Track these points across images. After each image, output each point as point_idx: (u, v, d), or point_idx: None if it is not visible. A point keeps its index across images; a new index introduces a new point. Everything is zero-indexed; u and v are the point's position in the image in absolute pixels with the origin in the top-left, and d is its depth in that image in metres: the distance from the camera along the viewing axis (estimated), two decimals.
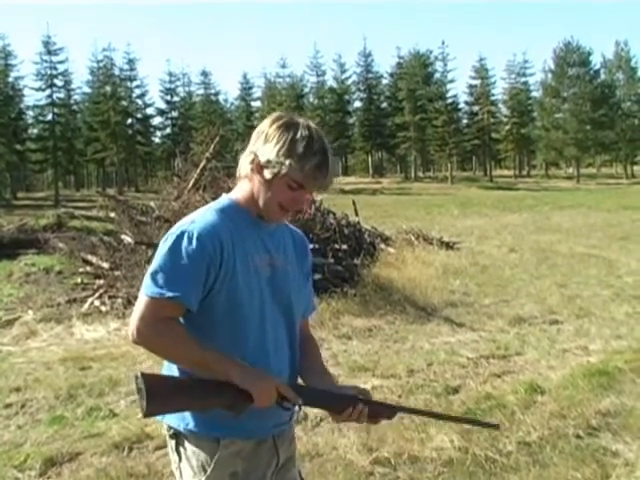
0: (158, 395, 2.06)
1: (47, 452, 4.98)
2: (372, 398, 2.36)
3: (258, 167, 2.21)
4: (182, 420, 2.22)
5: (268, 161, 2.17)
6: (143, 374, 2.08)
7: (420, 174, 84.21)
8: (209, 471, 2.20)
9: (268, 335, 2.26)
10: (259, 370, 2.15)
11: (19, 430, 5.61)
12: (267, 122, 2.24)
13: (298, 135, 2.17)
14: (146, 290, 2.13)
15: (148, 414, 2.08)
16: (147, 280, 2.14)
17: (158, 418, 2.31)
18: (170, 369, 2.27)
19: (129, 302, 10.21)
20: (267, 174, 2.19)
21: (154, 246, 11.19)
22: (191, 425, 2.20)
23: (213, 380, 2.13)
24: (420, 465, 4.61)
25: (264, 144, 2.20)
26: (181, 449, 2.26)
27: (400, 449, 4.79)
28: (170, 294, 2.09)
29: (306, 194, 2.24)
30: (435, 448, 4.81)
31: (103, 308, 10.22)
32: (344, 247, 12.42)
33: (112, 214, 14.29)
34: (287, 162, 2.15)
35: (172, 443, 2.29)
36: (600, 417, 5.38)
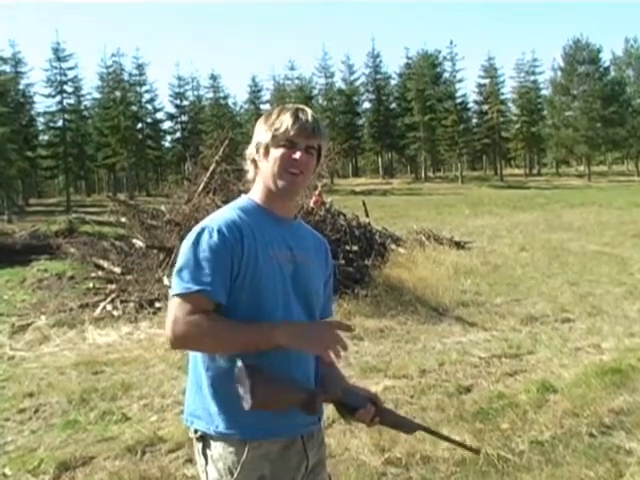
0: (261, 387, 2.05)
1: (61, 456, 5.01)
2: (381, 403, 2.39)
3: (256, 155, 2.33)
4: (211, 423, 2.20)
5: (258, 143, 2.32)
6: (246, 365, 2.06)
7: (430, 174, 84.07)
8: (236, 474, 2.18)
9: None
10: (300, 322, 2.23)
11: (33, 435, 5.64)
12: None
13: (273, 111, 2.36)
14: (173, 289, 2.16)
15: (254, 406, 2.05)
16: (174, 280, 2.17)
17: (187, 422, 2.30)
18: (196, 367, 2.26)
19: (141, 306, 10.25)
20: (262, 152, 2.31)
21: (165, 250, 11.25)
22: (221, 427, 2.19)
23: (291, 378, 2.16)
24: (432, 465, 4.60)
25: (253, 139, 2.36)
26: (208, 452, 2.24)
27: (412, 449, 4.78)
28: (197, 287, 2.11)
29: (302, 151, 2.27)
30: (447, 448, 4.79)
31: (115, 312, 10.24)
32: (355, 248, 12.43)
33: (123, 219, 14.35)
34: (269, 130, 2.29)
35: (199, 446, 2.28)
36: (613, 415, 5.36)
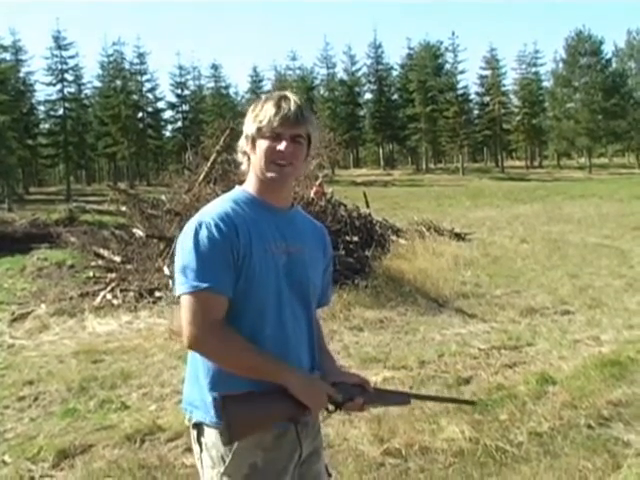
0: (239, 420, 2.10)
1: (60, 444, 5.02)
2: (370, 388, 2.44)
3: (247, 147, 2.32)
4: (207, 412, 2.21)
5: (246, 136, 2.31)
6: (222, 397, 2.11)
7: (431, 165, 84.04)
8: (227, 461, 2.20)
9: (287, 320, 2.27)
10: (310, 377, 2.28)
11: (32, 422, 5.66)
12: None
13: (259, 102, 2.33)
14: (181, 289, 2.15)
15: (233, 441, 2.13)
16: (179, 279, 2.16)
17: (186, 411, 2.32)
18: (194, 359, 2.27)
19: (141, 295, 10.27)
20: (250, 145, 2.31)
21: (165, 239, 11.25)
22: (216, 417, 2.19)
23: (273, 392, 2.18)
24: (431, 456, 4.61)
25: (244, 131, 2.35)
26: (202, 440, 2.26)
27: (411, 440, 4.79)
28: (205, 285, 2.11)
29: (288, 141, 2.25)
30: (446, 439, 4.82)
31: (115, 301, 10.26)
32: (355, 239, 12.43)
33: (123, 208, 14.34)
34: (254, 121, 2.28)
35: (194, 434, 2.30)
36: (612, 407, 5.37)
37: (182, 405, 2.36)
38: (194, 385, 2.28)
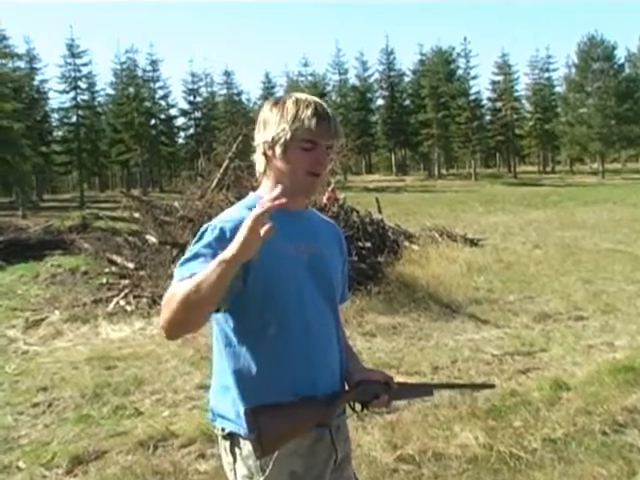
0: (269, 432, 2.08)
1: (74, 450, 5.04)
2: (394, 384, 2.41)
3: (270, 150, 2.25)
4: (241, 424, 2.18)
5: (273, 138, 2.22)
6: (251, 410, 2.09)
7: (444, 171, 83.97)
8: (268, 471, 2.16)
9: (312, 319, 2.24)
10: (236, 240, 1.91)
11: (46, 429, 5.68)
12: (260, 113, 2.33)
13: (286, 103, 2.24)
14: (173, 280, 2.14)
15: (265, 455, 2.11)
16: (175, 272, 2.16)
17: (215, 423, 2.30)
18: (223, 369, 2.26)
19: (154, 302, 10.27)
20: (279, 150, 2.22)
21: (178, 246, 11.27)
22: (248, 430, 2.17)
23: (302, 401, 2.17)
24: (444, 462, 4.60)
25: (265, 129, 2.27)
26: (236, 450, 2.22)
27: (424, 446, 4.78)
28: (189, 274, 2.04)
29: (323, 151, 2.24)
30: (459, 445, 4.80)
31: (128, 308, 10.28)
32: (368, 245, 12.41)
33: (136, 214, 14.37)
34: (287, 127, 2.19)
35: (226, 444, 2.26)
36: (626, 413, 5.34)
37: (210, 416, 2.34)
38: (225, 396, 2.25)
